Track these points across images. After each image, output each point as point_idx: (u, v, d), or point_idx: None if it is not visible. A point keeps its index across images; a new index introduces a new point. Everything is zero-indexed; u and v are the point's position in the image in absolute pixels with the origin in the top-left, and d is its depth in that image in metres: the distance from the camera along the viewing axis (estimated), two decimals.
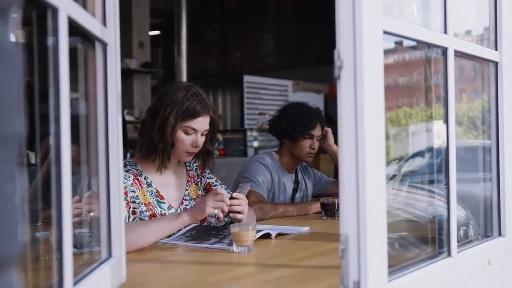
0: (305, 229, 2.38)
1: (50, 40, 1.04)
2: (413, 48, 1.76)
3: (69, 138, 1.04)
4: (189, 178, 2.42)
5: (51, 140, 1.03)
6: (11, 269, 0.57)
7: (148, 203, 2.21)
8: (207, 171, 2.50)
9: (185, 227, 2.18)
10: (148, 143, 2.24)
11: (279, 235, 2.21)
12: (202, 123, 2.25)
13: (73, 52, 1.11)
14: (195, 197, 2.40)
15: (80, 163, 1.39)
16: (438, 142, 1.99)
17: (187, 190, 2.39)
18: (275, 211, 2.82)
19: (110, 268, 1.33)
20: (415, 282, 1.37)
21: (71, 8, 1.07)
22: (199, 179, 2.46)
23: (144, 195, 2.21)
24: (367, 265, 1.17)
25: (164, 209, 2.25)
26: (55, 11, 1.01)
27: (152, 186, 2.26)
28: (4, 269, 0.56)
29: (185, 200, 2.36)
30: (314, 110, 3.11)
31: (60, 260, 1.02)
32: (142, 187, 2.22)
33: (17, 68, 0.58)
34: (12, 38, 0.59)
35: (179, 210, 2.30)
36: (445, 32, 1.56)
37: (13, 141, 0.58)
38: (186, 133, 2.23)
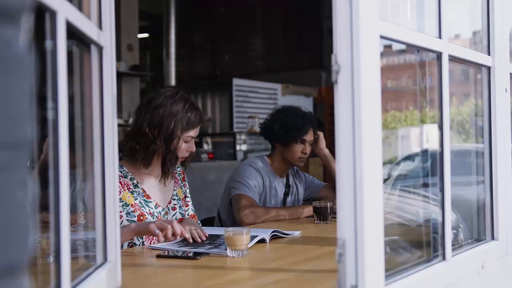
0: (297, 233, 2.38)
1: (47, 43, 1.03)
2: (402, 51, 1.76)
3: (67, 141, 1.03)
4: (176, 180, 2.50)
5: (49, 144, 1.02)
6: (22, 275, 0.57)
7: (134, 203, 2.26)
8: (186, 180, 2.57)
9: None
10: (151, 155, 2.30)
11: (274, 238, 2.21)
12: (198, 130, 2.39)
13: (68, 55, 1.10)
14: (182, 197, 2.50)
15: (74, 166, 1.38)
16: (428, 145, 2.00)
17: (175, 190, 2.47)
18: (267, 215, 2.81)
19: (106, 273, 1.33)
20: (412, 285, 1.38)
21: (69, 11, 1.07)
22: (183, 184, 2.56)
23: (129, 197, 2.27)
24: (364, 269, 1.17)
25: (152, 208, 2.32)
26: (53, 14, 1.01)
27: (138, 187, 2.32)
28: (16, 275, 0.56)
29: (173, 199, 2.45)
30: (307, 115, 3.11)
31: (58, 265, 1.01)
32: (125, 190, 2.27)
33: (29, 73, 0.58)
34: (23, 42, 0.58)
35: (166, 208, 2.39)
36: (440, 37, 1.56)
37: (24, 147, 0.57)
38: (185, 142, 2.34)
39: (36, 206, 0.61)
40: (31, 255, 0.60)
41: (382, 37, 1.27)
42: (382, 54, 1.54)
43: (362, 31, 1.18)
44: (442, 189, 1.56)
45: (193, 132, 2.35)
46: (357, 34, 1.18)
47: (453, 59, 1.63)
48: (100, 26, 1.37)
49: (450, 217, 1.56)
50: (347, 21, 1.19)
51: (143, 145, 2.28)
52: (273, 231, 2.23)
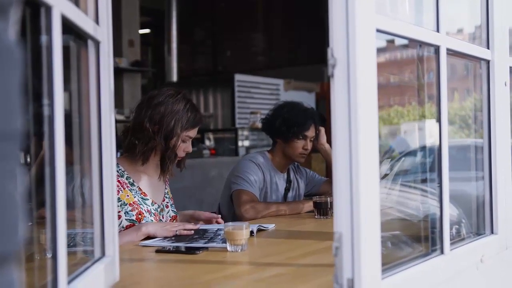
0: (272, 226, 2.42)
1: (43, 38, 1.03)
2: (405, 46, 1.76)
3: (63, 137, 1.03)
4: (167, 179, 2.53)
5: (45, 140, 1.02)
6: (11, 266, 0.58)
7: (133, 202, 2.30)
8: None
9: None
10: (150, 151, 2.32)
11: (259, 230, 2.26)
12: (196, 131, 2.42)
13: (64, 50, 1.10)
14: (171, 196, 2.54)
15: (72, 162, 1.39)
16: (430, 141, 2.00)
17: (166, 189, 2.52)
18: (268, 210, 2.82)
19: (104, 267, 1.33)
20: (409, 279, 1.38)
21: (64, 6, 1.07)
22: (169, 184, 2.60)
23: (128, 196, 2.30)
24: (360, 262, 1.18)
25: (149, 205, 2.36)
26: (48, 9, 1.01)
27: (134, 185, 2.34)
28: (5, 266, 0.56)
29: (166, 197, 2.49)
30: (309, 111, 3.10)
31: (54, 259, 1.01)
32: (124, 188, 2.30)
33: (18, 66, 0.58)
34: (12, 35, 0.59)
35: (161, 205, 2.43)
36: (438, 30, 1.56)
37: (14, 138, 0.58)
38: (183, 141, 2.36)
39: (26, 197, 0.62)
40: (22, 247, 0.61)
41: (378, 30, 1.27)
42: (384, 49, 1.54)
43: (358, 24, 1.18)
44: (440, 183, 1.56)
45: (192, 132, 2.37)
46: (353, 28, 1.18)
47: (451, 53, 1.63)
48: (97, 21, 1.37)
49: (448, 211, 1.56)
50: (343, 14, 1.19)
51: (143, 141, 2.30)
52: (258, 226, 2.28)
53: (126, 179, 2.33)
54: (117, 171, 2.30)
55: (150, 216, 2.32)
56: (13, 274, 0.58)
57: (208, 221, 2.47)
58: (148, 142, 2.30)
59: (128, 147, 2.34)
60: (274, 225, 2.44)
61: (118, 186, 2.25)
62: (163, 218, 2.41)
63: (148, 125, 2.28)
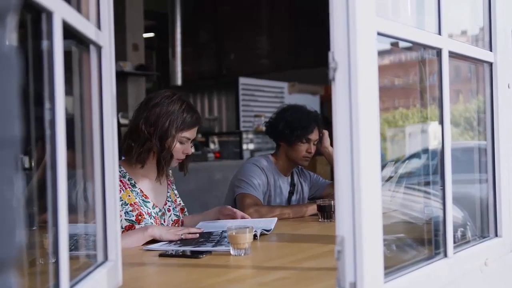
0: (274, 220, 2.45)
1: (44, 44, 1.04)
2: (409, 49, 1.76)
3: (65, 141, 1.04)
4: (169, 182, 2.54)
5: (47, 144, 1.02)
6: (9, 272, 0.58)
7: (134, 203, 2.30)
8: (173, 185, 2.59)
9: None
10: (146, 152, 2.32)
11: (262, 234, 2.25)
12: (195, 132, 2.40)
13: (67, 55, 1.11)
14: (174, 199, 2.53)
15: (75, 167, 1.39)
16: (434, 143, 2.00)
17: (168, 192, 2.51)
18: (271, 214, 2.81)
19: (106, 271, 1.33)
20: (412, 283, 1.38)
21: (65, 11, 1.07)
22: (173, 186, 2.59)
23: (129, 196, 2.31)
24: (363, 266, 1.17)
25: (149, 208, 2.36)
26: (49, 14, 1.01)
27: (136, 187, 2.35)
28: (2, 272, 0.56)
29: (168, 201, 2.49)
30: (312, 114, 3.10)
31: (57, 263, 1.01)
32: (126, 188, 2.31)
33: (15, 72, 0.58)
34: (10, 41, 0.59)
35: (163, 209, 2.43)
36: (439, 33, 1.56)
37: (11, 145, 0.58)
38: (181, 142, 2.36)
39: (29, 202, 0.62)
40: (20, 252, 0.61)
41: (379, 33, 1.27)
42: (389, 51, 1.54)
43: (359, 27, 1.18)
44: (443, 186, 1.56)
45: (189, 134, 2.36)
46: (354, 31, 1.18)
47: (453, 55, 1.62)
48: (98, 26, 1.37)
49: (451, 214, 1.56)
50: (344, 18, 1.19)
51: (138, 143, 2.31)
52: (261, 233, 2.26)
53: (128, 180, 2.34)
54: (120, 172, 2.31)
55: (150, 218, 2.32)
56: (11, 280, 0.58)
57: (232, 217, 2.49)
58: (144, 143, 2.30)
59: (126, 150, 2.35)
60: (276, 218, 2.47)
61: (120, 185, 2.25)
62: (164, 222, 2.41)
63: (143, 127, 2.29)
